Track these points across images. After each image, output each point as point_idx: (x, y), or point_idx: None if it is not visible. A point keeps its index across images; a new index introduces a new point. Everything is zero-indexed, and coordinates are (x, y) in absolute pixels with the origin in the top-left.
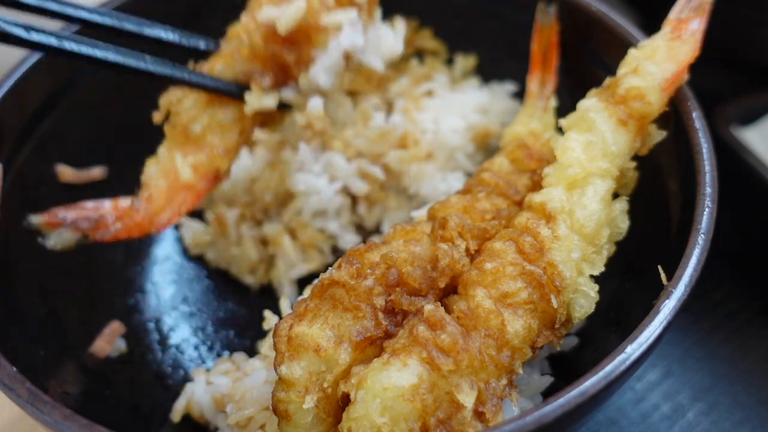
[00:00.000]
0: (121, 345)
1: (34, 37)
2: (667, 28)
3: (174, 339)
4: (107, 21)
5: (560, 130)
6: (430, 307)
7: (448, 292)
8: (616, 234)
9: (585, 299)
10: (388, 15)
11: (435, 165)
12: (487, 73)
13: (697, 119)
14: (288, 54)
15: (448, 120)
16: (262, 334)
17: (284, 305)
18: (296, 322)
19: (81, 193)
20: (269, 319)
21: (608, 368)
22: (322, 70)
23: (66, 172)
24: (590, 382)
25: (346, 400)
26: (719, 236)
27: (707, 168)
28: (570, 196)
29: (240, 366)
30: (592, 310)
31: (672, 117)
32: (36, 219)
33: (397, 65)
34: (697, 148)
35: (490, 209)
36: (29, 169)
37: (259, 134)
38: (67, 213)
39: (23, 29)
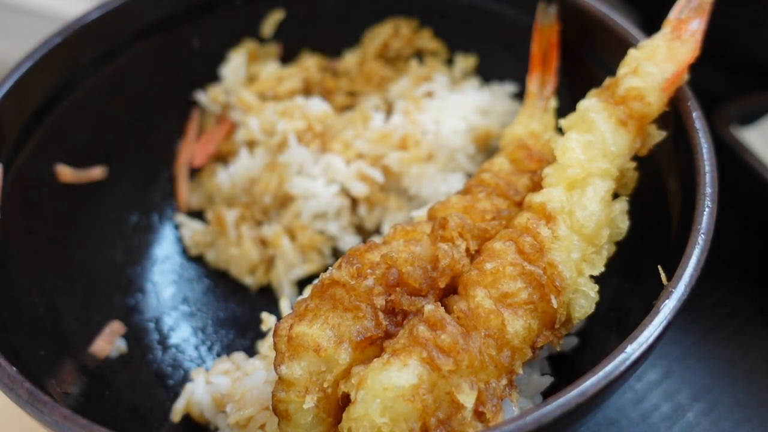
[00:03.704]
0: (121, 345)
1: None
2: (667, 28)
3: (174, 339)
4: None
5: (560, 131)
6: (430, 307)
7: (448, 292)
8: (616, 234)
9: (585, 299)
10: (388, 15)
11: (435, 166)
12: (487, 73)
13: (697, 119)
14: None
15: (448, 121)
16: (262, 334)
17: (284, 306)
18: (296, 322)
19: (81, 193)
20: (267, 320)
21: (608, 368)
22: None
23: (66, 172)
24: (590, 382)
25: (346, 400)
26: (719, 236)
27: (707, 168)
28: (570, 196)
29: (240, 366)
30: (592, 310)
31: (672, 117)
32: None
33: (397, 66)
34: (697, 148)
35: (490, 209)
36: (29, 169)
37: (259, 136)
38: None
39: None
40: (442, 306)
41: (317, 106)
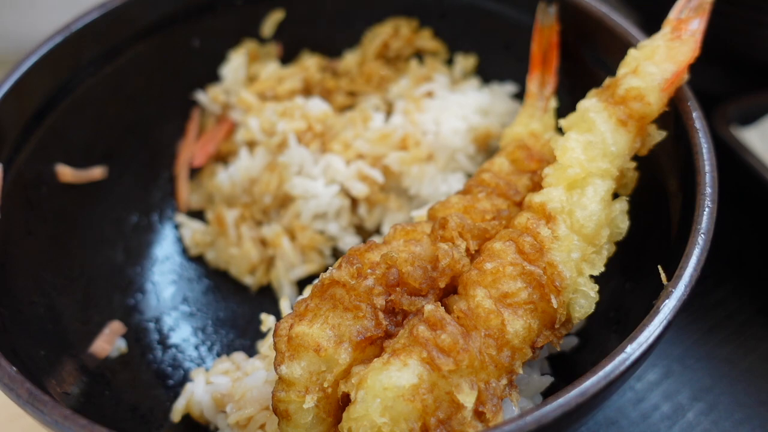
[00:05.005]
0: (121, 345)
1: None
2: (666, 28)
3: (174, 339)
4: None
5: (560, 131)
6: (430, 307)
7: (448, 292)
8: (616, 234)
9: (585, 299)
10: (388, 15)
11: (436, 166)
12: (487, 73)
13: (697, 119)
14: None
15: (448, 121)
16: (262, 334)
17: (284, 306)
18: (296, 321)
19: (81, 193)
20: (267, 320)
21: (608, 368)
22: None
23: (66, 172)
24: (590, 382)
25: (346, 400)
26: (719, 236)
27: (707, 168)
28: (570, 196)
29: (240, 366)
30: (592, 310)
31: (672, 117)
32: None
33: (397, 66)
34: (697, 148)
35: (491, 209)
36: (29, 169)
37: (259, 136)
38: None
39: None
40: (442, 306)
41: (317, 106)
